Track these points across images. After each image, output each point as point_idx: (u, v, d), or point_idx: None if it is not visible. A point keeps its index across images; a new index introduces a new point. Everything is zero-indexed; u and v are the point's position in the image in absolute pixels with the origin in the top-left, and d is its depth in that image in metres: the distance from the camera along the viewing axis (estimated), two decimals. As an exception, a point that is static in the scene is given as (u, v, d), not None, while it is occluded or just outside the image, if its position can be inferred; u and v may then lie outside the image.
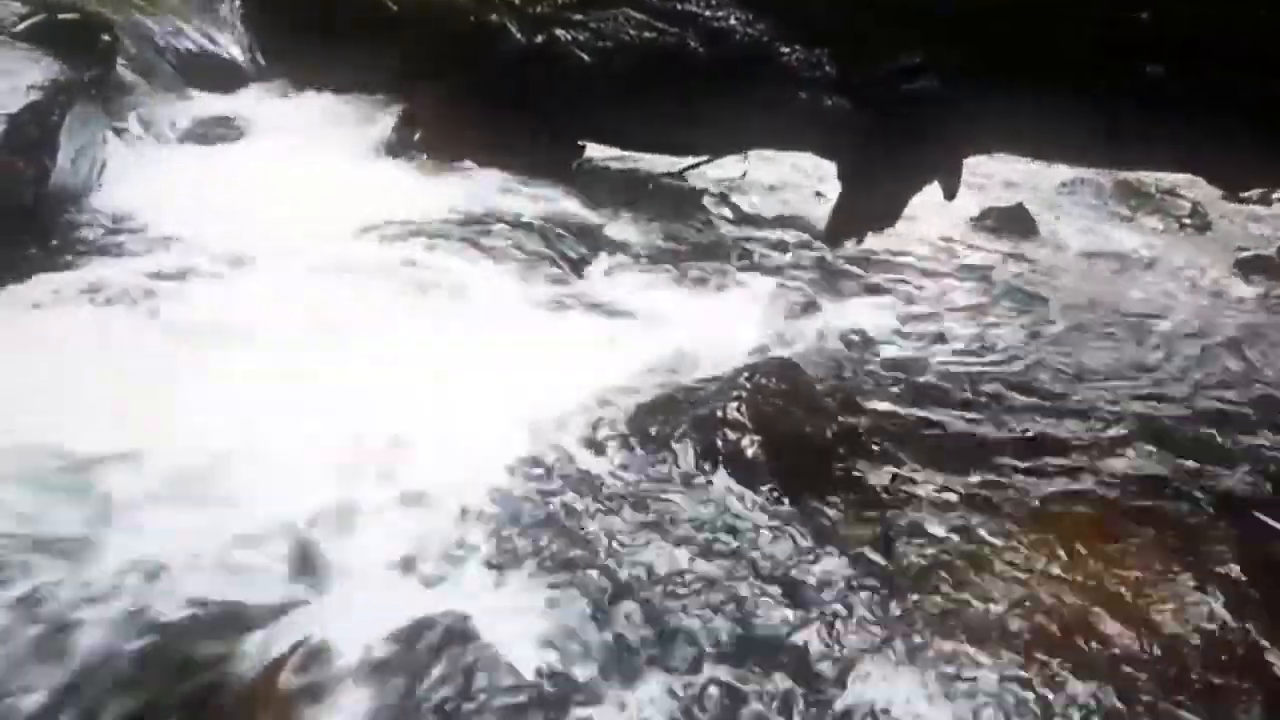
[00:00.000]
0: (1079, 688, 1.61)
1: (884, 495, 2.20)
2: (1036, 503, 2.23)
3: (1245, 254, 5.02)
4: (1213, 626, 1.80)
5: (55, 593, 1.44)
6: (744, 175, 5.21)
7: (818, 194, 5.12)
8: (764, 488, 2.09)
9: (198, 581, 1.48)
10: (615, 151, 4.92)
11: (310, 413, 2.10)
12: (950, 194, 3.53)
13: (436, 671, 1.35)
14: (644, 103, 3.90)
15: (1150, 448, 2.58)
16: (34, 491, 1.72)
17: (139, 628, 1.38)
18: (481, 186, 3.98)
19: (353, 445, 2.00)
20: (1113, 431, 2.67)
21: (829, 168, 4.49)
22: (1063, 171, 6.45)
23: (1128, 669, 1.67)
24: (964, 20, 3.15)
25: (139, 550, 1.53)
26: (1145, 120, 2.94)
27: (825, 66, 3.42)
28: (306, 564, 1.57)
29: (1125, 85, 2.90)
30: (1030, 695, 1.59)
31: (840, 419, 2.51)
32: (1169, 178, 6.56)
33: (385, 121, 4.33)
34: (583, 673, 1.49)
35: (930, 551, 1.99)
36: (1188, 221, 5.97)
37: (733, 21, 3.61)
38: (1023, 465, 2.42)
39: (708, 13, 3.66)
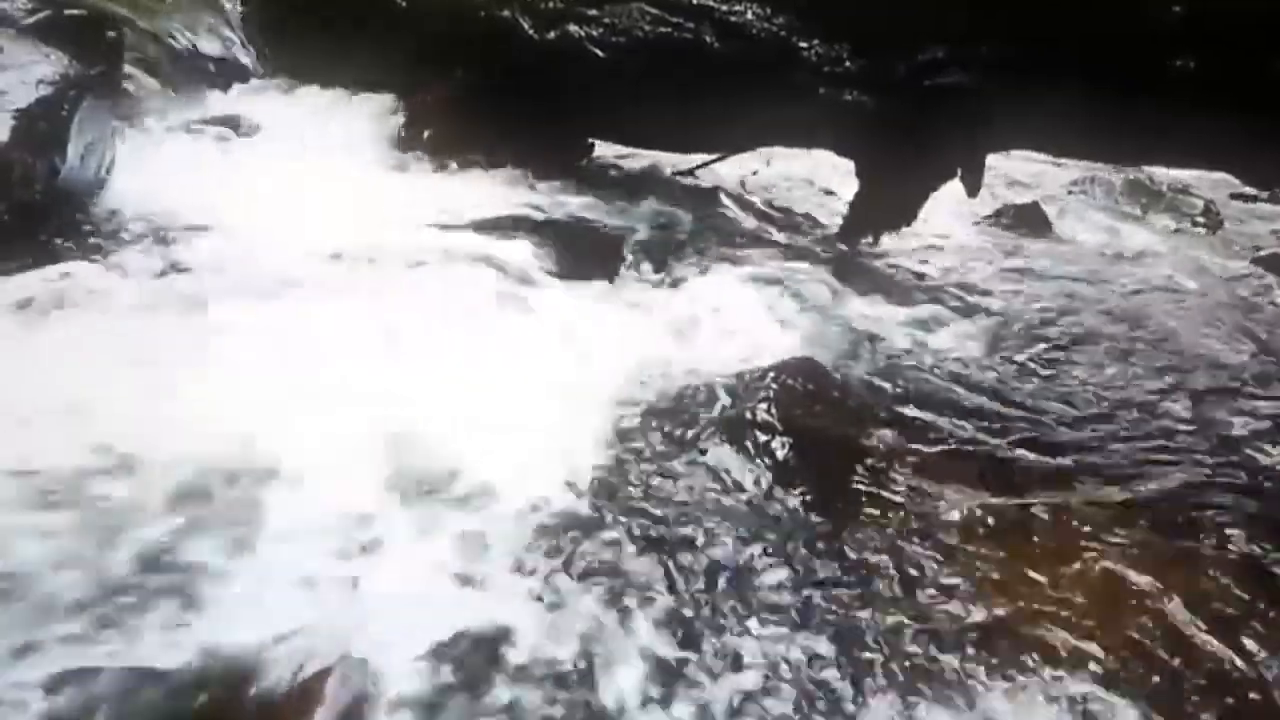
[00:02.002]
0: (1093, 693, 1.59)
1: (913, 497, 2.15)
2: (1065, 502, 2.18)
3: (1262, 252, 5.00)
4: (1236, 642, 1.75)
5: (77, 597, 1.39)
6: (755, 174, 5.17)
7: (829, 192, 5.10)
8: (796, 491, 2.06)
9: (233, 588, 1.43)
10: (624, 149, 4.89)
11: (334, 406, 2.08)
12: (973, 191, 3.48)
13: (478, 685, 1.31)
14: (658, 100, 3.85)
15: (1182, 450, 2.54)
16: (37, 491, 1.68)
17: (169, 637, 1.34)
18: (490, 185, 3.97)
19: (382, 450, 1.95)
20: (1144, 433, 2.63)
21: (839, 165, 4.47)
22: (1072, 170, 6.43)
23: (1146, 679, 1.64)
24: (988, 13, 3.10)
25: (163, 554, 1.49)
26: (1174, 116, 2.89)
27: (845, 61, 3.37)
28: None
29: (1154, 80, 2.85)
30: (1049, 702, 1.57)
31: (867, 420, 2.49)
32: (1179, 177, 6.56)
33: (393, 120, 4.31)
34: (623, 685, 1.45)
35: (961, 554, 1.95)
36: (1200, 220, 5.95)
37: (750, 16, 3.56)
38: (1051, 464, 2.39)
39: (724, 7, 3.61)
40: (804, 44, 3.46)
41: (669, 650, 1.55)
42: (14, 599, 1.42)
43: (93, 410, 1.91)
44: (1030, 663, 1.63)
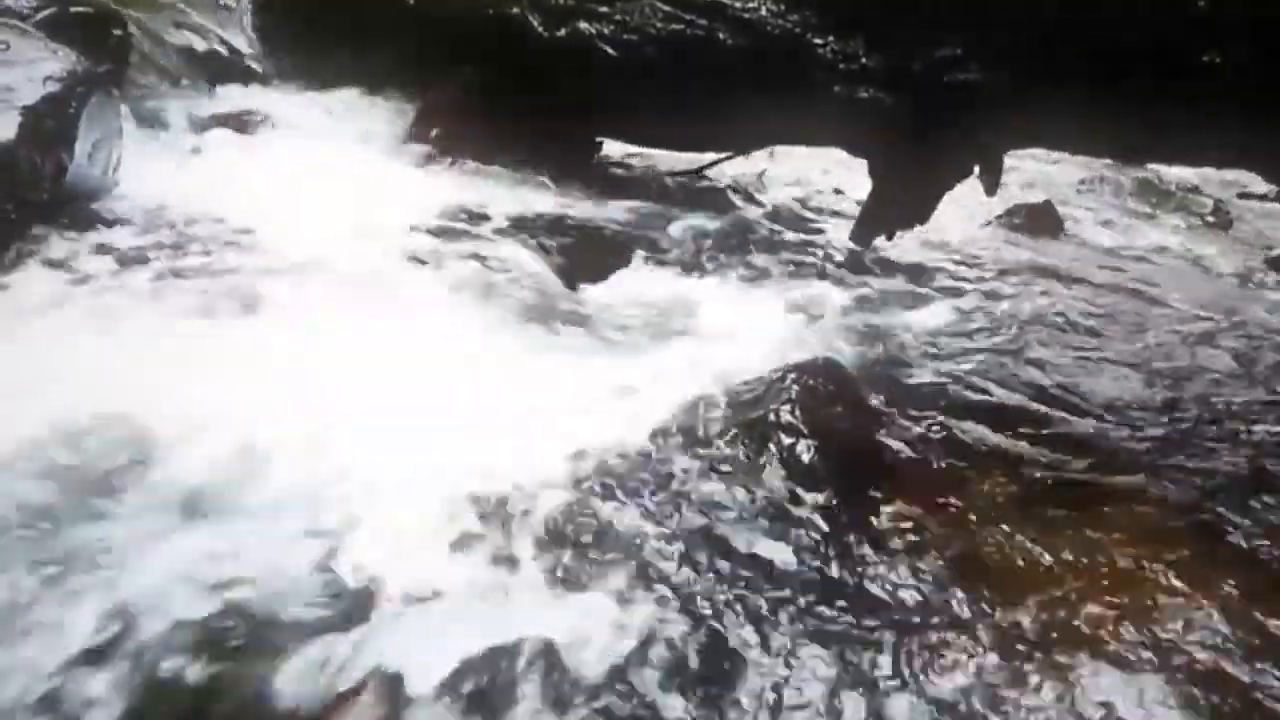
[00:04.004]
0: (1122, 691, 1.57)
1: (941, 500, 2.12)
2: (1101, 507, 2.16)
3: (1274, 251, 4.98)
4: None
5: (98, 609, 1.36)
6: (763, 173, 5.14)
7: (839, 191, 5.07)
8: (822, 495, 2.02)
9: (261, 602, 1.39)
10: (631, 148, 4.86)
11: (343, 406, 2.05)
12: (991, 190, 3.44)
13: (517, 699, 1.27)
14: (668, 98, 3.81)
15: (1206, 449, 2.52)
16: (57, 487, 1.66)
17: (196, 651, 1.30)
18: (498, 185, 3.93)
19: (394, 453, 1.92)
20: (1168, 433, 2.61)
21: (847, 164, 4.44)
22: (1080, 169, 6.42)
23: (1173, 678, 1.61)
24: (1009, 8, 3.06)
25: (187, 561, 1.45)
26: (1198, 113, 2.84)
27: (861, 57, 3.33)
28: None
29: (1178, 77, 2.81)
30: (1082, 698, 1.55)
31: (891, 421, 2.47)
32: (1187, 176, 6.56)
33: (401, 118, 4.27)
34: (661, 696, 1.41)
35: (989, 557, 1.93)
36: (1211, 219, 5.96)
37: (764, 12, 3.52)
38: (1077, 464, 2.37)
39: (738, 3, 3.57)
40: (819, 40, 3.42)
41: (689, 654, 1.52)
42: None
43: (97, 406, 1.88)
44: (1064, 668, 1.60)
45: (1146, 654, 1.65)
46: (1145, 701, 1.56)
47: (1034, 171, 6.24)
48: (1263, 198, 6.79)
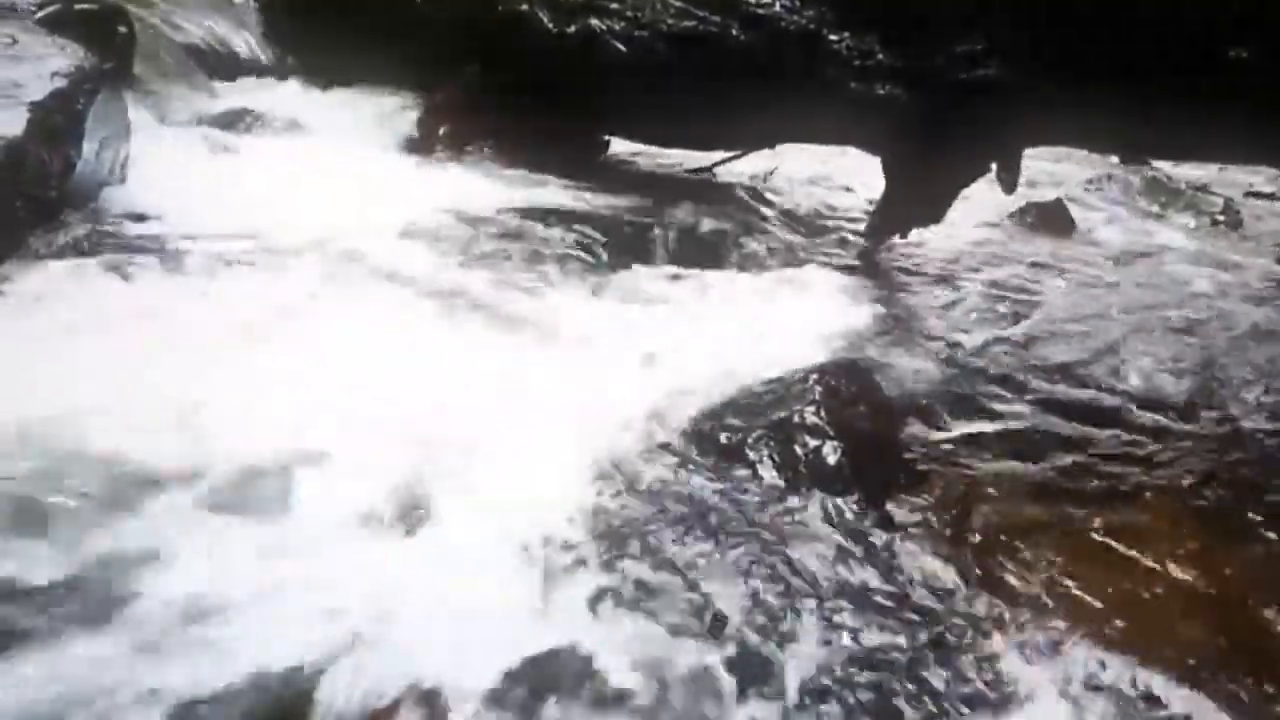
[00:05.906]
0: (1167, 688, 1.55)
1: (962, 498, 2.09)
2: (1122, 503, 2.14)
3: (1285, 251, 4.96)
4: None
5: (129, 619, 1.32)
6: (773, 171, 5.11)
7: (848, 189, 5.04)
8: (850, 499, 1.98)
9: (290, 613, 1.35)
10: (640, 146, 4.83)
11: (354, 407, 2.01)
12: (1009, 189, 3.40)
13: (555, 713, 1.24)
14: (680, 95, 3.77)
15: (1226, 446, 2.49)
16: (69, 496, 1.62)
17: (225, 667, 1.26)
18: (506, 183, 3.90)
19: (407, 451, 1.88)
20: (1186, 429, 2.58)
21: (856, 162, 4.40)
22: (1087, 168, 6.39)
23: (1211, 671, 1.59)
24: (1028, 3, 3.02)
25: (205, 576, 1.41)
26: (1219, 111, 2.81)
27: (877, 54, 3.28)
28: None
29: (1201, 74, 2.77)
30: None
31: (915, 422, 2.44)
32: (1196, 174, 6.53)
33: (408, 116, 4.24)
34: (696, 707, 1.37)
35: (1018, 557, 1.89)
36: (1220, 218, 5.90)
37: (778, 8, 3.47)
38: (1098, 463, 2.33)
39: (751, -1, 3.53)
40: (834, 36, 3.38)
41: (715, 652, 1.50)
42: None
43: (103, 409, 1.85)
44: (1093, 665, 1.58)
45: (1167, 648, 1.64)
46: (1164, 694, 1.54)
47: (1041, 170, 6.21)
48: (1271, 196, 6.76)
